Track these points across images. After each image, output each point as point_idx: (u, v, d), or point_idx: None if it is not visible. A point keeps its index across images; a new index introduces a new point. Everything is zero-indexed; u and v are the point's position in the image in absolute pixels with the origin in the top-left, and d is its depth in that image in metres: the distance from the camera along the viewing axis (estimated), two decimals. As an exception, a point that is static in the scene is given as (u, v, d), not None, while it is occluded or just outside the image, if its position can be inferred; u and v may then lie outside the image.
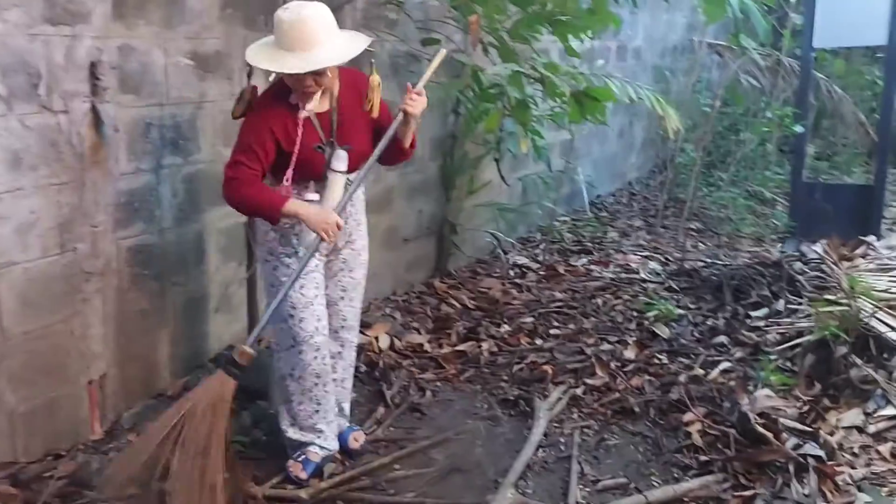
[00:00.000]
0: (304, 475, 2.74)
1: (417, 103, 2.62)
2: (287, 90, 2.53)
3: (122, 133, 2.76)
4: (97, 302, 2.78)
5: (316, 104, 2.55)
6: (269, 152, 2.50)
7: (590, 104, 3.32)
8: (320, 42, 2.40)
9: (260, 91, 2.59)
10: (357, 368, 3.59)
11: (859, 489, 2.56)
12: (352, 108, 2.62)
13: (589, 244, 5.74)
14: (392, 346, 3.83)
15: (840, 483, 2.62)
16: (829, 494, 2.57)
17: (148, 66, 2.82)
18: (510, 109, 3.74)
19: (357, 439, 2.98)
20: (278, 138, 2.50)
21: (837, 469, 2.68)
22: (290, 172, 2.52)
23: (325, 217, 2.50)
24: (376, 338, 3.83)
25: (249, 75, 2.62)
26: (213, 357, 3.31)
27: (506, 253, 5.22)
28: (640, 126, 7.53)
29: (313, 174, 2.59)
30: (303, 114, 2.53)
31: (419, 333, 4.00)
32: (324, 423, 2.80)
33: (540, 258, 5.25)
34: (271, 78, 2.59)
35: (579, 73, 3.62)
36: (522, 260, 5.21)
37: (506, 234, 5.22)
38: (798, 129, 5.48)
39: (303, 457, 2.77)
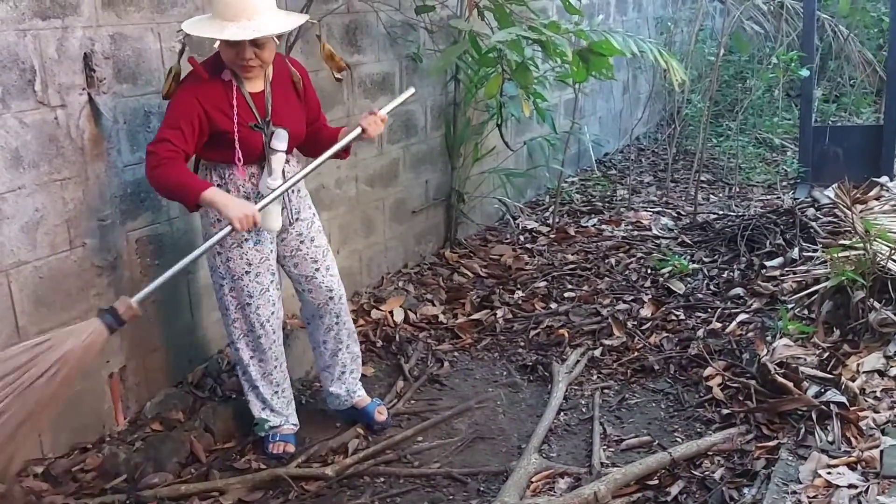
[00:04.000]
0: (291, 448, 2.84)
1: (378, 128, 2.69)
2: (220, 67, 2.51)
3: (122, 123, 2.74)
4: (111, 296, 2.78)
5: (250, 83, 2.55)
6: (196, 130, 2.45)
7: (595, 60, 3.26)
8: (261, 12, 2.39)
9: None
10: (373, 343, 3.62)
11: (883, 433, 2.54)
12: (284, 92, 2.63)
13: (599, 204, 5.70)
14: (407, 320, 3.83)
15: (864, 428, 2.60)
16: (853, 440, 2.55)
17: (142, 53, 2.79)
18: (510, 73, 3.68)
19: (381, 412, 3.02)
20: (211, 115, 2.46)
21: (860, 414, 2.66)
22: (237, 152, 2.51)
23: (243, 208, 2.42)
24: (391, 312, 3.84)
25: (181, 53, 2.57)
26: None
27: (515, 218, 5.20)
28: (644, 80, 7.43)
29: (252, 154, 2.57)
30: (252, 86, 2.53)
31: (433, 305, 4.00)
32: (287, 403, 2.92)
33: (550, 221, 5.22)
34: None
35: (581, 31, 3.55)
36: (532, 224, 5.18)
37: (514, 199, 5.18)
38: (804, 73, 5.38)
39: (278, 436, 2.86)
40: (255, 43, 2.41)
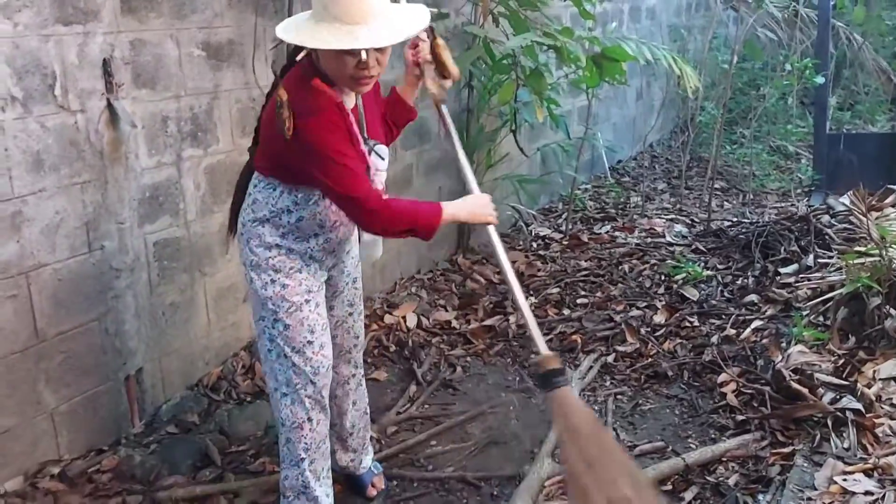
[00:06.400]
0: None
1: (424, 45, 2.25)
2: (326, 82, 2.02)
3: (140, 128, 2.78)
4: (129, 298, 2.82)
5: (350, 98, 2.12)
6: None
7: (608, 66, 3.28)
8: (384, 11, 1.92)
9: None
10: (386, 348, 3.63)
11: (900, 440, 2.54)
12: (370, 100, 2.20)
13: (612, 210, 5.70)
14: (420, 325, 3.84)
15: (880, 435, 2.59)
16: (869, 447, 2.54)
17: (161, 59, 2.82)
18: (524, 79, 3.71)
19: (376, 485, 2.66)
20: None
21: (877, 421, 2.64)
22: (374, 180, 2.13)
23: (481, 202, 2.19)
24: (404, 317, 3.85)
25: (277, 71, 2.08)
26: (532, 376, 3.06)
27: (528, 225, 5.20)
28: (658, 87, 7.43)
29: None
30: (349, 102, 2.09)
31: (446, 310, 4.01)
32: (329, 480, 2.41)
33: (563, 228, 5.22)
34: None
35: (594, 37, 3.57)
36: (545, 231, 5.18)
37: (527, 205, 5.19)
38: (819, 80, 5.37)
39: None
40: (377, 49, 1.93)
